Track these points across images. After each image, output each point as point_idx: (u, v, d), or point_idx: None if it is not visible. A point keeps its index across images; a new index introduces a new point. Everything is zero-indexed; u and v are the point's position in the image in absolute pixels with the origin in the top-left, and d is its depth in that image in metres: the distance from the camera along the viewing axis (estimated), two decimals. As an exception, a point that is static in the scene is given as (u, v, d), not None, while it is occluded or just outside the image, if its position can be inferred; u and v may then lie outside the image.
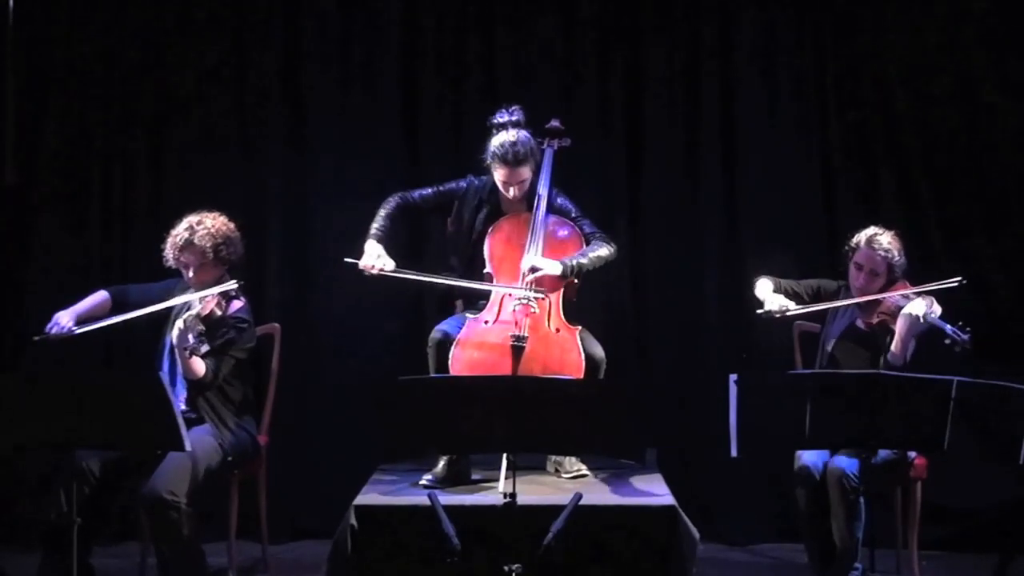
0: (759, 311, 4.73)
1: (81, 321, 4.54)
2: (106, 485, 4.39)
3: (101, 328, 4.54)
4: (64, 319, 4.51)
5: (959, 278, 4.57)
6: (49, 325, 4.49)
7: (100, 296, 4.69)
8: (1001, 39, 5.56)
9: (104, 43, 5.64)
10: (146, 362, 4.68)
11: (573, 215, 4.81)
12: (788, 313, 4.71)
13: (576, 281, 4.71)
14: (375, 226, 4.76)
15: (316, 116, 5.70)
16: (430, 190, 4.90)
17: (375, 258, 4.64)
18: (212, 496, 4.58)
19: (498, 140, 4.68)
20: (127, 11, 5.65)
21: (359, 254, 5.11)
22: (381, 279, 4.67)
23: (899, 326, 4.51)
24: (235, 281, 4.53)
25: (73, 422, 3.77)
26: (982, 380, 3.79)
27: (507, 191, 4.74)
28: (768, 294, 4.78)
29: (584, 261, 4.66)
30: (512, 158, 4.64)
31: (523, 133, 4.69)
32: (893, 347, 4.53)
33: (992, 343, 5.05)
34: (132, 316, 4.54)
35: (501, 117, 4.74)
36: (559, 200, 4.81)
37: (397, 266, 4.68)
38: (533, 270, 4.58)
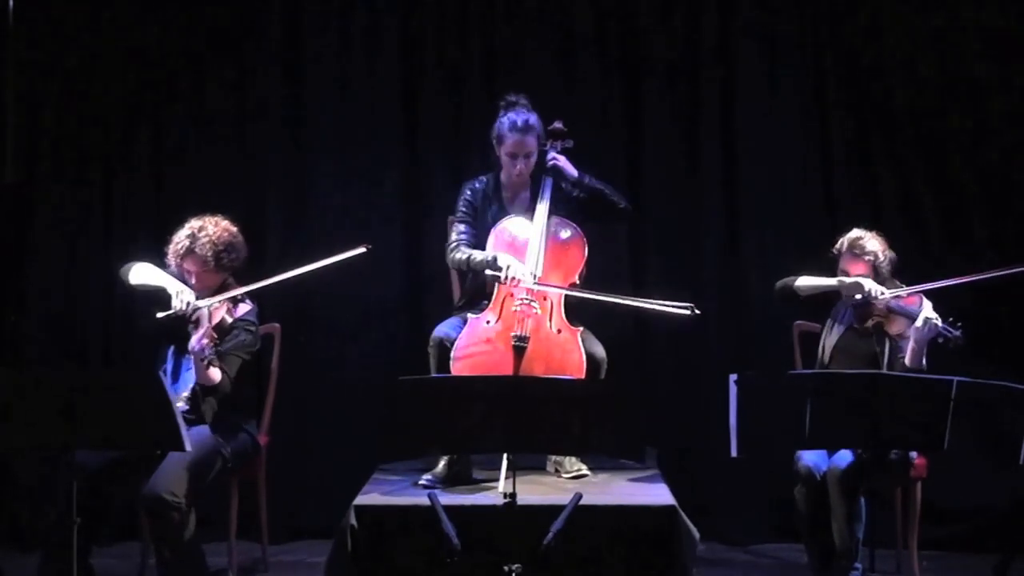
0: (858, 296, 4.57)
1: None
2: (106, 485, 4.37)
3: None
4: (185, 294, 4.35)
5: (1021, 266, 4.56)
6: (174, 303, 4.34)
7: (150, 267, 4.54)
8: (1001, 36, 5.57)
9: (104, 42, 5.63)
10: (157, 358, 4.62)
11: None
12: (881, 298, 4.58)
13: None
14: (477, 253, 4.67)
15: (316, 114, 5.70)
16: (460, 224, 4.81)
17: (518, 272, 4.53)
18: (212, 496, 4.57)
19: (506, 114, 4.76)
20: (126, 10, 5.65)
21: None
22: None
23: (912, 337, 4.48)
24: (364, 246, 4.44)
25: (73, 421, 3.75)
26: (982, 380, 3.79)
27: (513, 167, 4.75)
28: (869, 282, 4.59)
29: (599, 185, 4.77)
30: (522, 124, 4.70)
31: (532, 112, 4.79)
32: (907, 360, 4.50)
33: (990, 341, 5.06)
34: (228, 297, 4.44)
35: (510, 97, 4.82)
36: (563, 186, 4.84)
37: None
38: (554, 159, 4.73)
